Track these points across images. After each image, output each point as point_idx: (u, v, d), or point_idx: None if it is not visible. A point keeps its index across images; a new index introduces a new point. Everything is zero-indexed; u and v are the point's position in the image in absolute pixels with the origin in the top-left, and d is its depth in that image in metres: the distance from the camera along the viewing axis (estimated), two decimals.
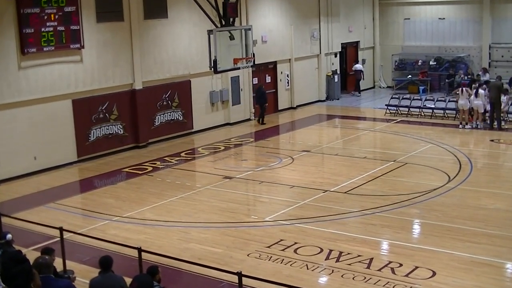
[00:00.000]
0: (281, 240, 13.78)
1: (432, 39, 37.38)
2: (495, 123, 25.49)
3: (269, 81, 30.06)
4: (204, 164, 21.24)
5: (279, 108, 30.53)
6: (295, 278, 11.71)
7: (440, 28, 37.21)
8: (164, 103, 24.55)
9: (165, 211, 16.25)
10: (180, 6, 24.78)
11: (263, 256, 12.93)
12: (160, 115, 24.39)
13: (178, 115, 25.12)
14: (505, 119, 26.01)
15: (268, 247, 13.41)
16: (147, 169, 20.51)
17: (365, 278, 11.73)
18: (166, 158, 21.83)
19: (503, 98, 25.93)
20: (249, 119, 28.26)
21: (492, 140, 23.64)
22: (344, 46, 35.43)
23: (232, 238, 14.11)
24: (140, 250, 10.58)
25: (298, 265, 12.45)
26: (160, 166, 20.82)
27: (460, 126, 25.83)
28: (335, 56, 34.47)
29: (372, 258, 12.61)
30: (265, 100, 28.28)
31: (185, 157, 22.14)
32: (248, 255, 13.02)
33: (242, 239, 14.05)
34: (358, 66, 35.34)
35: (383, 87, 37.42)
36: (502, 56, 36.00)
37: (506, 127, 25.41)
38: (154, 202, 16.96)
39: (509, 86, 28.29)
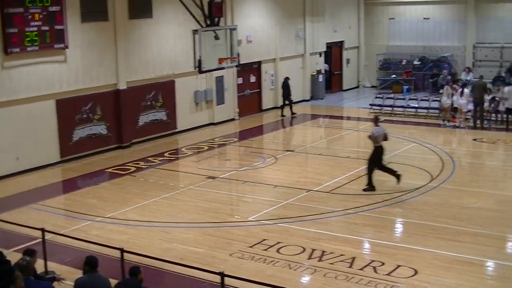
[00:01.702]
0: (264, 240, 13.77)
1: (417, 39, 37.51)
2: (478, 122, 25.66)
3: (254, 81, 30.05)
4: (187, 164, 21.19)
5: (264, 108, 30.52)
6: (278, 278, 11.70)
7: (424, 28, 37.35)
8: (148, 103, 24.46)
9: (148, 211, 16.20)
10: (165, 6, 24.70)
11: (245, 256, 12.91)
12: (144, 115, 24.30)
13: (162, 115, 25.04)
14: (488, 118, 26.15)
15: (251, 246, 13.40)
16: (130, 169, 20.44)
17: (347, 277, 11.74)
18: (149, 158, 21.76)
19: (488, 97, 26.10)
20: (233, 119, 28.22)
21: (475, 139, 23.78)
22: (329, 45, 35.48)
23: (214, 238, 14.09)
24: (122, 251, 10.54)
25: (281, 264, 12.45)
26: (144, 166, 20.75)
27: (443, 124, 26.01)
28: (320, 56, 34.53)
29: (355, 257, 12.63)
30: (289, 92, 29.08)
31: (168, 157, 22.09)
32: (230, 255, 13.01)
33: (225, 239, 14.03)
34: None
35: (368, 87, 37.51)
36: (486, 56, 36.17)
37: (488, 126, 25.57)
38: (137, 202, 16.90)
39: (492, 86, 28.41)
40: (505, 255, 12.95)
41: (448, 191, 17.21)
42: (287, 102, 29.33)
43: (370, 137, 17.24)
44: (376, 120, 17.58)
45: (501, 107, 25.81)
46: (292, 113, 29.23)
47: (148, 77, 24.35)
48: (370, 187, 17.15)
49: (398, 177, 17.29)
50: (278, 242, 13.58)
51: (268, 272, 12.07)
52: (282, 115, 29.18)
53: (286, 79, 29.67)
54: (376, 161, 17.17)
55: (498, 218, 14.92)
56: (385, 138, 17.19)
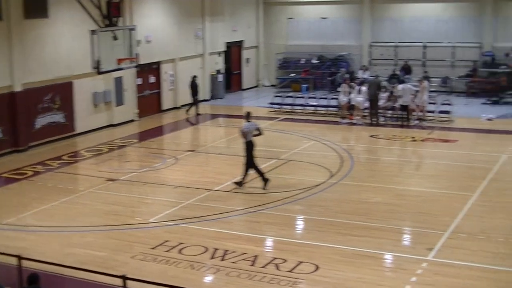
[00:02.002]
0: (166, 241, 13.69)
1: (315, 38, 38.17)
2: (375, 119, 26.37)
3: (153, 81, 29.80)
4: (87, 166, 20.79)
5: (163, 108, 30.33)
6: (181, 279, 11.67)
7: (322, 28, 38.06)
8: (45, 105, 23.83)
9: (47, 216, 15.80)
10: (62, 6, 24.08)
11: (148, 258, 12.80)
12: (41, 118, 23.66)
13: (60, 118, 24.46)
14: (384, 115, 26.92)
15: (153, 248, 13.29)
16: (27, 173, 19.88)
17: (250, 275, 11.83)
18: (47, 162, 21.21)
19: (383, 95, 26.86)
20: (132, 120, 27.91)
21: (371, 136, 24.40)
22: (229, 45, 35.61)
23: (116, 241, 13.91)
24: (19, 258, 10.24)
25: (184, 265, 12.41)
26: (42, 170, 20.22)
27: (341, 121, 26.61)
28: (219, 56, 34.62)
29: (257, 256, 12.73)
30: (196, 91, 29.28)
31: (67, 160, 21.60)
32: (132, 258, 12.86)
33: (126, 241, 13.86)
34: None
35: (267, 86, 37.87)
36: (381, 55, 37.19)
37: (384, 123, 26.32)
38: (36, 207, 16.45)
39: (388, 84, 29.24)
40: (401, 247, 13.36)
41: (347, 187, 17.62)
42: (194, 101, 29.35)
43: (240, 132, 17.40)
44: (247, 116, 17.68)
45: (396, 104, 26.61)
46: (197, 113, 29.23)
47: (45, 78, 23.73)
48: (264, 179, 17.25)
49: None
50: (180, 243, 13.53)
51: (171, 273, 12.02)
52: (189, 114, 29.18)
53: (194, 78, 29.72)
54: (248, 156, 17.24)
55: (395, 212, 15.39)
56: (259, 133, 17.35)
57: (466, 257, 12.39)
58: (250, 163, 17.30)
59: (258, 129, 17.40)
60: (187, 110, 29.42)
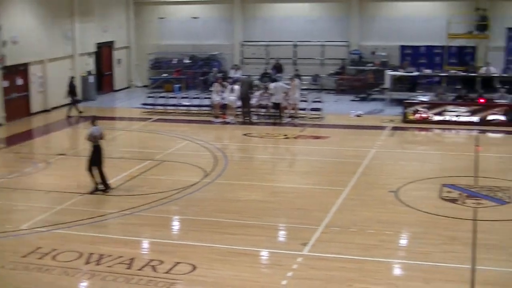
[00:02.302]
0: (39, 248, 13.24)
1: (187, 38, 38.15)
2: (247, 117, 26.66)
3: (21, 83, 28.79)
4: None
5: (32, 112, 29.38)
6: (55, 286, 11.37)
7: (194, 27, 38.10)
8: None
9: None
10: None
11: (19, 267, 12.31)
12: None
13: None
14: (257, 113, 27.27)
15: (24, 256, 12.81)
16: None
17: (126, 278, 11.65)
18: None
19: (256, 94, 27.20)
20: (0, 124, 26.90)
21: (245, 134, 24.65)
22: (100, 46, 34.97)
23: None
24: None
25: (58, 272, 12.04)
26: None
27: (214, 120, 26.74)
28: (90, 56, 33.93)
29: (133, 258, 12.55)
30: (74, 92, 28.85)
31: None
32: (2, 267, 12.35)
33: None
34: None
35: (139, 87, 37.50)
36: (253, 54, 37.64)
37: (257, 121, 26.66)
38: None
39: (260, 82, 29.62)
40: (276, 244, 13.56)
41: (222, 185, 17.71)
42: (72, 101, 28.63)
43: (87, 137, 17.10)
44: (93, 120, 17.38)
45: (269, 102, 27.01)
46: (79, 113, 28.65)
47: None
48: (106, 186, 17.05)
49: (107, 186, 17.11)
50: (54, 249, 13.13)
51: (45, 280, 11.65)
52: (71, 115, 28.49)
53: (72, 78, 29.16)
54: (95, 160, 16.99)
55: (269, 209, 15.59)
56: (101, 137, 17.17)
57: (340, 250, 12.74)
58: (95, 166, 16.92)
59: (102, 133, 17.10)
60: (68, 112, 28.57)
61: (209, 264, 12.19)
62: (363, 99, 32.88)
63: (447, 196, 16.23)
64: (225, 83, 27.83)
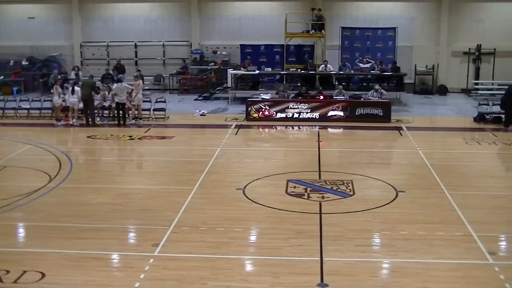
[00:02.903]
0: None
1: (24, 38, 37.01)
2: (91, 119, 26.22)
3: None
4: None
5: None
6: None
7: (31, 28, 37.00)
8: None
9: None
10: None
11: None
12: None
13: None
14: (100, 115, 26.89)
15: None
16: None
17: None
18: None
19: (97, 96, 26.82)
20: None
21: (89, 137, 24.22)
22: None
23: None
24: None
25: None
26: None
27: (56, 123, 26.11)
28: None
29: None
30: None
31: None
32: None
33: None
34: None
35: None
36: (93, 55, 37.09)
37: (100, 123, 26.28)
38: None
39: (101, 84, 29.19)
40: (128, 246, 13.44)
41: (68, 190, 17.30)
42: None
43: None
44: None
45: (112, 103, 26.70)
46: None
47: None
48: None
49: None
50: None
51: None
52: None
53: None
54: None
55: (118, 211, 15.41)
56: None
57: (191, 249, 12.83)
58: None
59: None
60: None
61: (59, 271, 11.89)
62: (206, 98, 33.26)
63: (293, 191, 16.75)
64: (66, 84, 27.21)
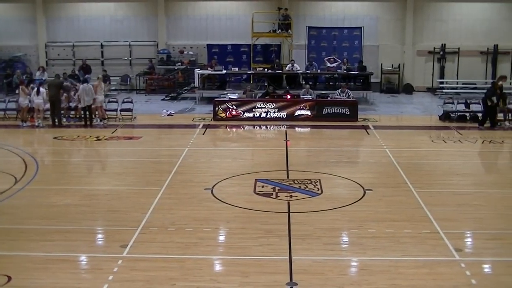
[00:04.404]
0: None
1: None
2: (57, 120, 26.01)
3: None
4: None
5: None
6: None
7: None
8: None
9: None
10: None
11: None
12: None
13: None
14: (66, 116, 26.71)
15: None
16: None
17: None
18: None
19: (65, 95, 26.62)
20: None
21: (55, 138, 24.01)
22: None
23: None
24: None
25: None
26: None
27: (21, 124, 25.86)
28: None
29: None
30: None
31: None
32: None
33: None
34: None
35: None
36: (59, 55, 36.78)
37: (67, 124, 26.11)
38: None
39: (68, 84, 28.93)
40: (96, 247, 13.36)
41: (35, 191, 17.11)
42: None
43: None
44: None
45: (78, 104, 26.52)
46: None
47: None
48: None
49: None
50: None
51: None
52: None
53: None
54: None
55: (86, 213, 15.29)
56: None
57: (159, 250, 12.79)
58: None
59: None
60: None
61: (26, 274, 11.78)
62: (173, 99, 33.18)
63: (261, 191, 16.78)
64: (32, 85, 26.95)
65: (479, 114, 27.31)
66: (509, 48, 36.82)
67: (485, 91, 28.22)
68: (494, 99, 25.79)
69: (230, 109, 27.36)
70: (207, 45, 36.83)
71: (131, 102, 28.16)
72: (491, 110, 25.94)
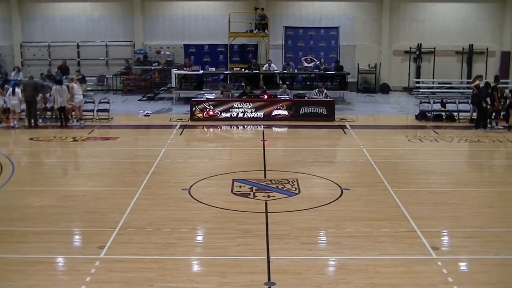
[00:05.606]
0: None
1: None
2: (33, 121, 25.84)
3: None
4: None
5: None
6: None
7: None
8: None
9: None
10: None
11: None
12: None
13: None
14: (42, 116, 26.55)
15: None
16: None
17: None
18: None
19: (40, 96, 26.44)
20: None
21: (31, 139, 23.84)
22: None
23: None
24: None
25: None
26: None
27: None
28: None
29: None
30: None
31: None
32: None
33: None
34: None
35: None
36: (34, 55, 36.53)
37: (43, 124, 25.94)
38: None
39: (44, 84, 28.75)
40: (73, 249, 13.24)
41: (10, 193, 16.98)
42: None
43: None
44: None
45: (54, 105, 26.34)
46: None
47: None
48: None
49: None
50: None
51: None
52: None
53: None
54: None
55: (62, 214, 15.19)
56: None
57: (137, 251, 12.74)
58: None
59: None
60: None
61: (2, 276, 11.66)
62: (150, 99, 33.10)
63: (238, 191, 16.77)
64: (6, 86, 26.73)
65: (455, 114, 27.53)
66: (484, 48, 37.20)
67: (461, 90, 28.45)
68: (488, 100, 25.91)
69: (207, 109, 27.34)
70: (184, 45, 36.76)
71: (108, 102, 28.03)
72: (485, 111, 25.99)
